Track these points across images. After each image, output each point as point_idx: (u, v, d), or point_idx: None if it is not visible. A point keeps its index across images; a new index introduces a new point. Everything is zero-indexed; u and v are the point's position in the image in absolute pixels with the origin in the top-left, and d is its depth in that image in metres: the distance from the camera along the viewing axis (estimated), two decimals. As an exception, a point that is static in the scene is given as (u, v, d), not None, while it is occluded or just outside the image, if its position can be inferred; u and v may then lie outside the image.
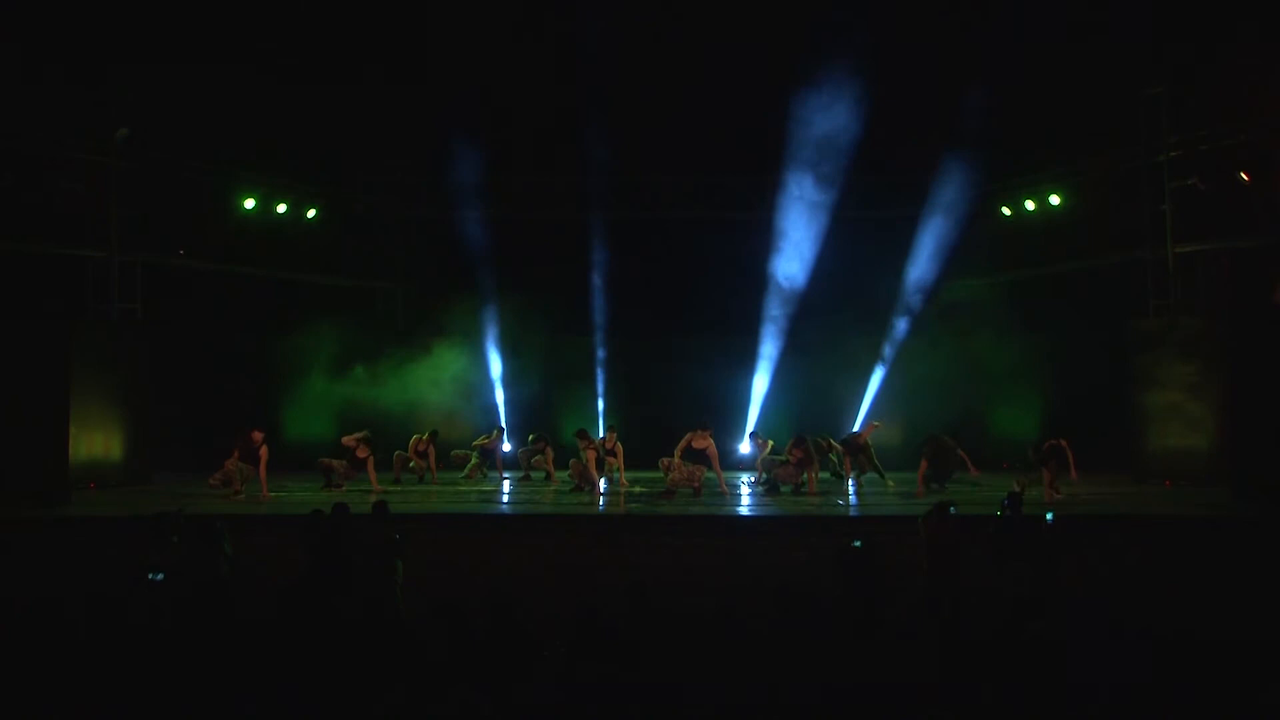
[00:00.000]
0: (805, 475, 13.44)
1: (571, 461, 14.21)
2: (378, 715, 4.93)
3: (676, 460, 13.11)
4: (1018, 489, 9.43)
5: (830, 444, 14.61)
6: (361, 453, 14.11)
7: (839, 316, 17.02)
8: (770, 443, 14.77)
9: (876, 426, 14.92)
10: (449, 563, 9.39)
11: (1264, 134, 13.12)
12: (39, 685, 5.26)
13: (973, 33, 14.42)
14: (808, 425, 14.98)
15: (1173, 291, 14.46)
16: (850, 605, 6.75)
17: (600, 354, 17.46)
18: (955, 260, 17.28)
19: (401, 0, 15.61)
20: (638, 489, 13.71)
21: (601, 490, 13.80)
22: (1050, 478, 12.47)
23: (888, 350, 16.83)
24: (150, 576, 6.98)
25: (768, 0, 15.54)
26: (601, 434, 14.96)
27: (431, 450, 15.12)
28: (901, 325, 16.83)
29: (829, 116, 15.44)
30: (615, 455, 14.21)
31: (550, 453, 15.26)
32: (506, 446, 16.43)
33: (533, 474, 15.49)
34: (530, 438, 15.60)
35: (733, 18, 15.42)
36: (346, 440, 14.22)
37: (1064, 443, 12.67)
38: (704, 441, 13.16)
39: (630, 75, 15.01)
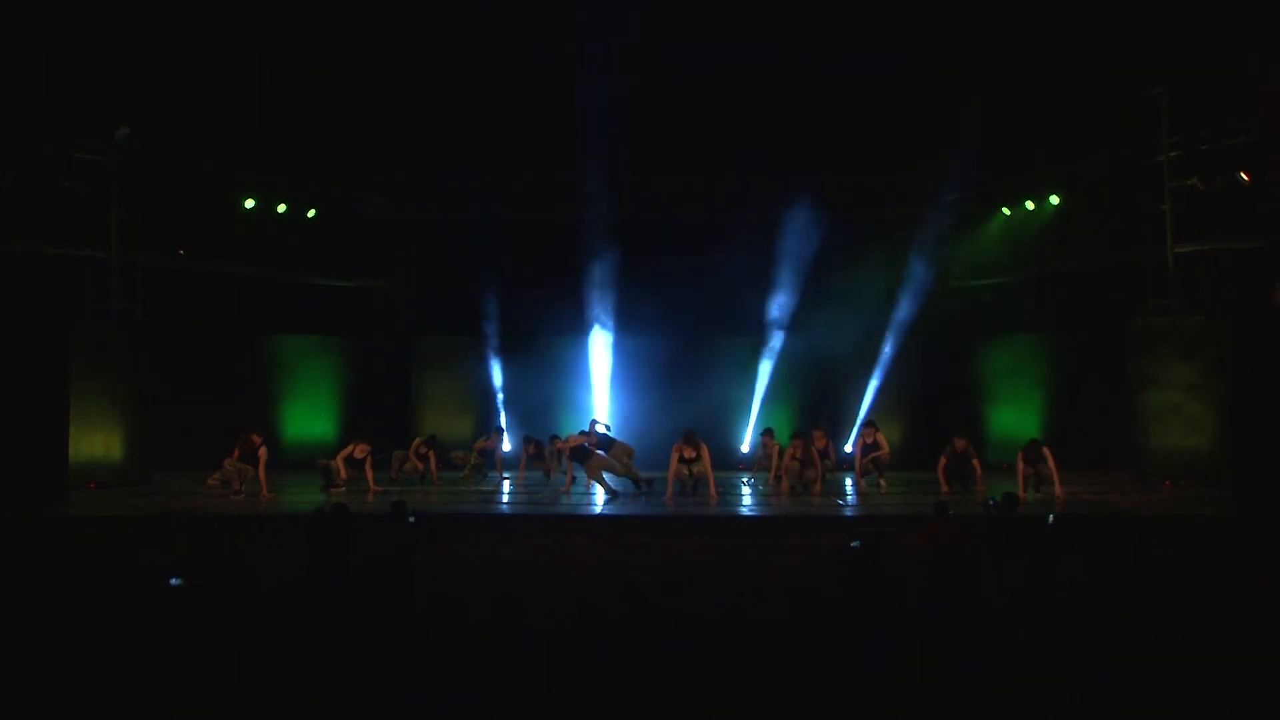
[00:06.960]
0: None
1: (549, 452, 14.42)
2: (379, 715, 4.92)
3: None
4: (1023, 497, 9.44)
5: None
6: (359, 453, 14.12)
7: (838, 317, 17.00)
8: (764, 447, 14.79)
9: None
10: (448, 563, 9.39)
11: (1264, 134, 13.10)
12: (39, 686, 5.26)
13: (973, 33, 14.40)
14: (807, 425, 14.96)
15: (1173, 291, 14.45)
16: (850, 605, 6.75)
17: (600, 354, 17.44)
18: (955, 260, 17.28)
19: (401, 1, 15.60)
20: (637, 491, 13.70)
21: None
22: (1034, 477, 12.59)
23: (888, 351, 16.82)
24: (170, 581, 6.97)
25: (769, 2, 15.52)
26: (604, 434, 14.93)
27: (431, 454, 15.10)
28: (901, 326, 16.81)
29: (829, 117, 15.46)
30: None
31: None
32: (506, 446, 16.43)
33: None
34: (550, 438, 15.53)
35: (733, 18, 15.40)
36: (346, 450, 14.26)
37: (1046, 449, 12.73)
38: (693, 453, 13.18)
39: (632, 75, 14.99)
